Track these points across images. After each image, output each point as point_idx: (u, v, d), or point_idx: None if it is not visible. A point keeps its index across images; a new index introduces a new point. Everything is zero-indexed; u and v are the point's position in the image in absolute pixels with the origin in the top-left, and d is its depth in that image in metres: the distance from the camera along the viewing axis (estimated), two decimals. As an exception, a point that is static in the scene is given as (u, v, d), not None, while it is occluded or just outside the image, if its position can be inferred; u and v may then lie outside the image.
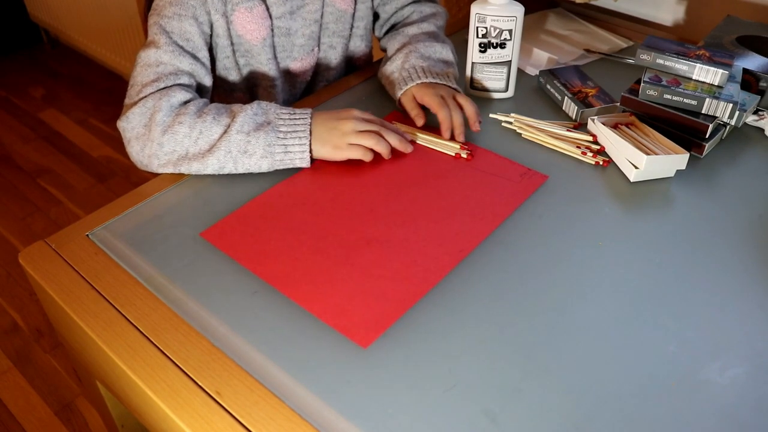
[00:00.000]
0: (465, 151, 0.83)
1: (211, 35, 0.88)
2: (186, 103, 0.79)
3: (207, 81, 0.86)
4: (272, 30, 0.91)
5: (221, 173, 0.79)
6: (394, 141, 0.82)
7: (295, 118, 0.79)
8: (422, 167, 0.81)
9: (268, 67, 0.93)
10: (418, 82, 0.88)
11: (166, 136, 0.76)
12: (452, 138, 0.85)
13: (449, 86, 0.90)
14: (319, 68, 1.01)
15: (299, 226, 0.72)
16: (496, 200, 0.76)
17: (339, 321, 0.61)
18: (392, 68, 0.94)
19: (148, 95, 0.78)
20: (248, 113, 0.78)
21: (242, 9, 0.87)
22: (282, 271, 0.66)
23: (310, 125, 0.79)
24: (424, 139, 0.86)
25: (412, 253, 0.68)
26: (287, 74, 0.98)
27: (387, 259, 0.68)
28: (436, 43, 0.95)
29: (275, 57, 0.94)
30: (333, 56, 1.00)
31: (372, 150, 0.80)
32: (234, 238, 0.70)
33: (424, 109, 0.88)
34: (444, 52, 0.95)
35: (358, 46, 1.03)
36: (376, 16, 1.04)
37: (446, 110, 0.85)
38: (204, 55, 0.86)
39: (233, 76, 0.93)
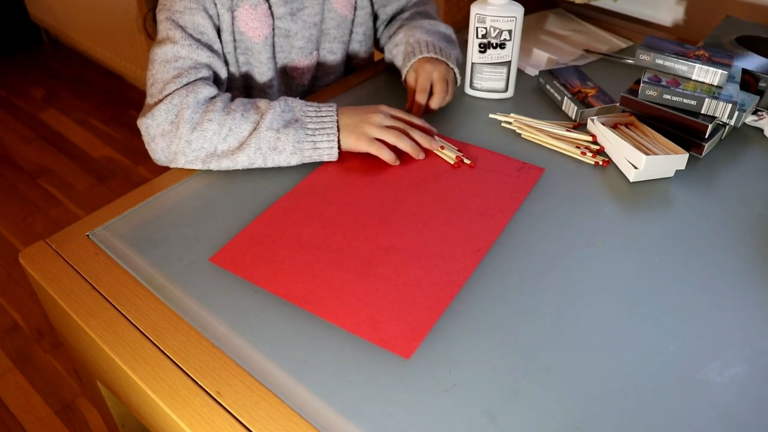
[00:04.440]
0: (461, 157, 0.83)
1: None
2: (212, 98, 0.80)
3: (224, 72, 0.87)
4: (273, 30, 0.91)
5: (250, 168, 0.80)
6: (420, 138, 0.83)
7: (322, 115, 0.81)
8: (420, 169, 0.81)
9: (267, 67, 0.93)
10: (420, 57, 0.91)
11: (195, 134, 0.77)
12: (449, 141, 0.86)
13: (448, 65, 0.92)
14: (318, 72, 1.02)
15: (310, 241, 0.70)
16: (500, 196, 0.77)
17: (375, 335, 0.60)
18: (396, 41, 0.97)
19: (173, 92, 0.78)
20: (276, 110, 0.79)
21: (247, 6, 0.87)
22: (305, 289, 0.65)
23: (337, 121, 0.81)
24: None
25: (431, 258, 0.68)
26: (284, 75, 0.98)
27: (408, 266, 0.67)
28: (436, 21, 0.98)
29: (274, 57, 0.94)
30: (333, 61, 1.01)
31: (397, 153, 0.81)
32: (245, 260, 0.68)
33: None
34: (446, 29, 0.98)
35: (357, 51, 1.04)
36: (375, 17, 1.05)
37: (423, 96, 0.89)
38: (218, 47, 0.87)
39: (231, 73, 0.93)
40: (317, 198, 0.77)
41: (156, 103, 0.78)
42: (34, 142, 2.27)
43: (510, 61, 0.93)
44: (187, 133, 0.77)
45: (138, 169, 2.11)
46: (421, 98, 0.89)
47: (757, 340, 0.60)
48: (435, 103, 0.90)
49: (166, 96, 0.78)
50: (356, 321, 0.61)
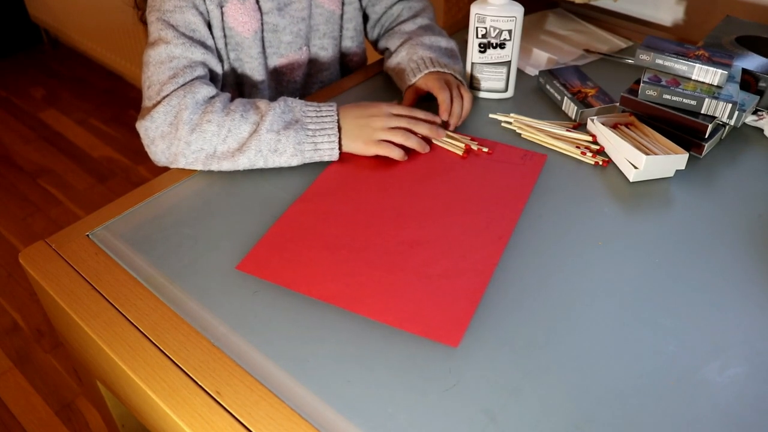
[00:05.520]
0: (474, 144, 0.85)
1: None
2: (211, 98, 0.80)
3: (219, 69, 0.87)
4: (262, 24, 0.91)
5: (252, 169, 0.80)
6: (426, 131, 0.84)
7: (322, 116, 0.80)
8: (427, 161, 0.82)
9: (257, 62, 0.93)
10: (426, 72, 0.90)
11: (194, 135, 0.77)
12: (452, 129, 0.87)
13: (455, 77, 0.91)
14: (312, 70, 1.02)
15: (334, 241, 0.70)
16: (511, 184, 0.78)
17: (420, 327, 0.60)
18: (399, 59, 0.95)
19: (170, 93, 0.78)
20: (276, 111, 0.79)
21: (235, 1, 0.87)
22: (338, 289, 0.64)
23: (338, 121, 0.81)
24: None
25: (458, 248, 0.69)
26: (274, 71, 0.98)
27: (437, 258, 0.68)
28: (437, 36, 0.97)
29: (264, 52, 0.94)
30: (325, 57, 1.01)
31: (404, 148, 0.82)
32: (273, 265, 0.67)
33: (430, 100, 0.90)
34: (447, 43, 0.97)
35: (350, 47, 1.03)
36: (365, 18, 1.04)
37: (447, 93, 0.87)
38: (211, 43, 0.87)
39: (222, 70, 0.93)
40: (332, 198, 0.76)
41: (154, 105, 0.78)
42: (34, 142, 2.27)
43: (510, 61, 0.93)
44: (187, 135, 0.77)
45: (138, 169, 2.11)
46: (445, 96, 0.86)
47: (757, 340, 0.60)
48: (456, 107, 0.87)
49: (164, 97, 0.78)
50: (398, 316, 0.62)
